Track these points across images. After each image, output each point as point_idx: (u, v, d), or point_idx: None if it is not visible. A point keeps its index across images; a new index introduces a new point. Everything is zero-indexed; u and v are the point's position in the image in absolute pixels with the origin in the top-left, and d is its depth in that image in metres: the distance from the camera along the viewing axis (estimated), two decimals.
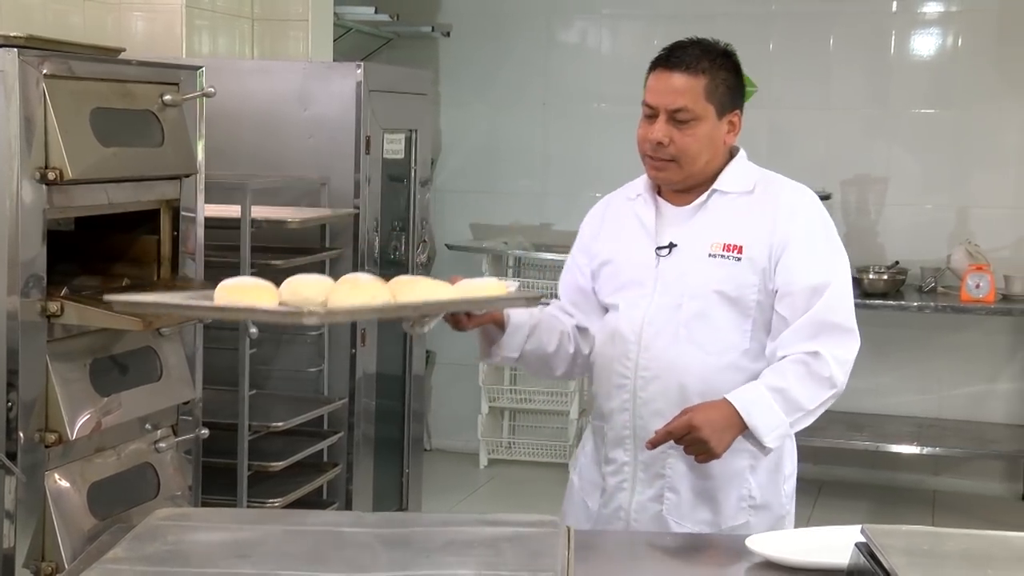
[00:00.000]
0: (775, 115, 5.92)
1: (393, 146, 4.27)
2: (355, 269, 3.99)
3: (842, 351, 2.42)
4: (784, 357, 2.42)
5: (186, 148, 3.03)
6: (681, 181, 2.52)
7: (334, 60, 4.76)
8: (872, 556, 1.74)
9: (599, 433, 2.61)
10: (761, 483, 2.51)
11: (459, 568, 1.79)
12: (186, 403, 3.07)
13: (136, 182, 2.87)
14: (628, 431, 2.52)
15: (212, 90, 3.08)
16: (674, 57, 2.48)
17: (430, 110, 4.96)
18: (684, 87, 2.46)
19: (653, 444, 2.38)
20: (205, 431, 3.18)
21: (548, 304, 2.67)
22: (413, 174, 4.50)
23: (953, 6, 5.76)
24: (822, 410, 2.44)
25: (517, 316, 2.52)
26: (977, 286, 5.28)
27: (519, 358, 2.56)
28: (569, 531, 2.07)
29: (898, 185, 5.84)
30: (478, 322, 2.43)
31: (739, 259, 2.46)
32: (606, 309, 2.61)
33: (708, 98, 2.47)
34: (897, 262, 5.67)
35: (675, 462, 2.48)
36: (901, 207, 5.84)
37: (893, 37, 5.83)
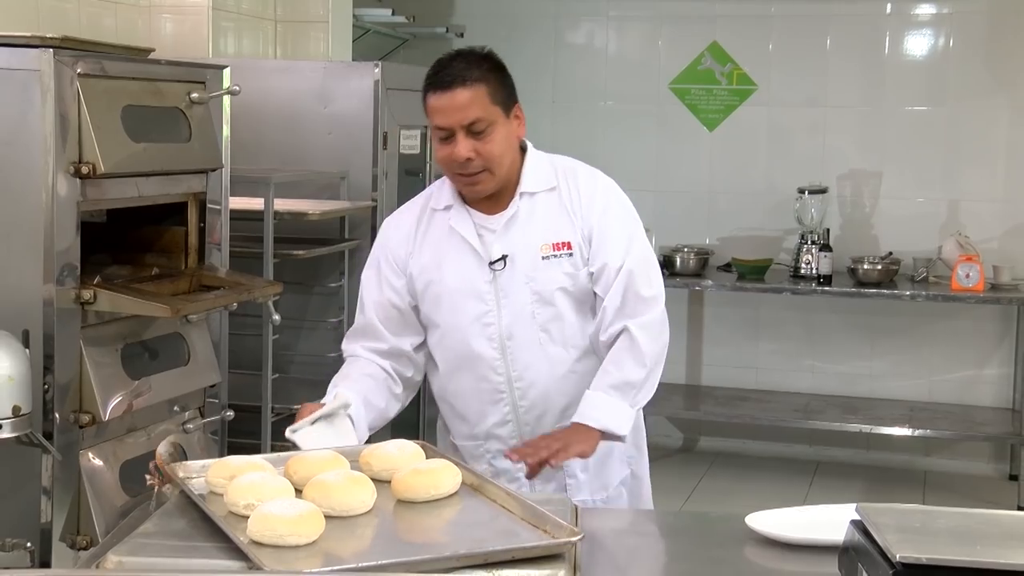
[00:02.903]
0: (774, 112, 5.90)
1: (409, 141, 4.27)
2: None
3: (646, 317, 2.45)
4: (608, 345, 2.45)
5: (212, 144, 3.03)
6: (494, 188, 2.45)
7: (353, 60, 4.76)
8: (866, 533, 1.74)
9: (474, 452, 2.56)
10: (627, 440, 2.53)
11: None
12: (212, 386, 3.08)
13: (165, 176, 2.87)
14: (515, 439, 2.51)
15: (237, 88, 3.08)
16: (447, 76, 2.38)
17: None
18: (469, 100, 2.37)
19: (531, 474, 2.33)
20: (230, 413, 3.19)
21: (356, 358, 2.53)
22: (428, 168, 4.49)
23: (945, 8, 5.73)
24: (655, 374, 2.47)
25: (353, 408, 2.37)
26: (967, 276, 5.27)
27: (365, 437, 2.47)
28: (576, 509, 2.07)
29: (891, 179, 5.82)
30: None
31: (571, 254, 2.47)
32: (425, 325, 2.54)
33: (493, 101, 2.40)
34: (890, 253, 5.65)
35: None
36: (894, 200, 5.82)
37: (887, 37, 5.80)
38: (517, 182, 2.48)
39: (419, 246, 2.52)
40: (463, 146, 2.37)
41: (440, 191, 2.53)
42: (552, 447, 2.32)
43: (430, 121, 2.42)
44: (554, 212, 2.49)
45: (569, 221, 2.48)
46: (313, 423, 2.27)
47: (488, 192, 2.45)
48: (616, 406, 2.41)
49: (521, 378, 2.49)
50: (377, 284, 2.54)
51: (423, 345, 2.57)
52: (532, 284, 2.46)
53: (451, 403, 2.58)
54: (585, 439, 2.36)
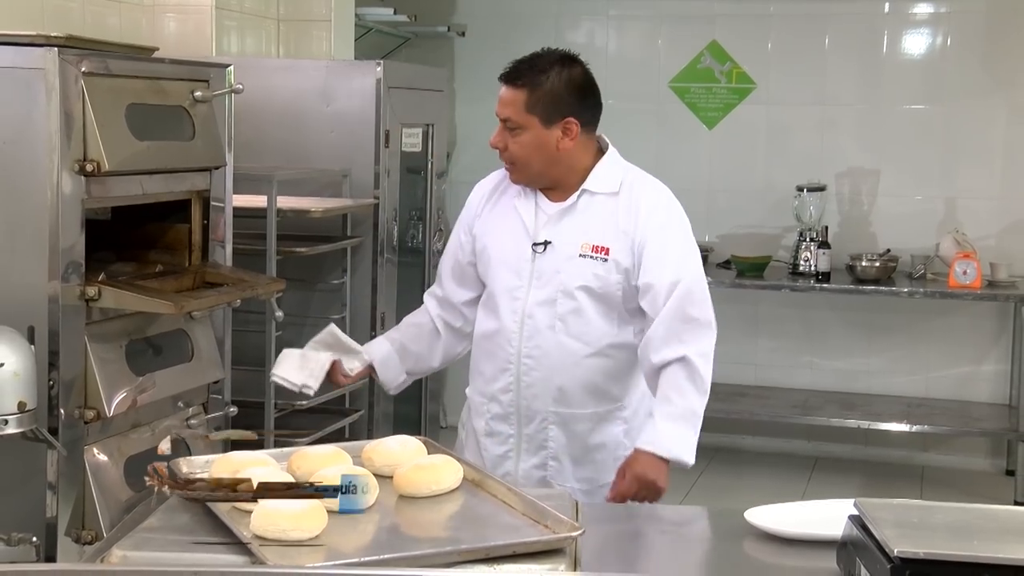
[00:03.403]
0: (773, 111, 5.90)
1: (411, 140, 4.27)
2: (375, 256, 4.00)
3: (703, 345, 2.53)
4: (660, 368, 2.51)
5: (216, 142, 3.03)
6: (527, 182, 2.61)
7: (355, 59, 4.76)
8: (864, 528, 1.74)
9: (478, 408, 2.70)
10: (625, 444, 2.62)
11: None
12: (216, 382, 3.08)
13: (169, 174, 2.87)
14: (512, 408, 2.64)
15: (240, 87, 3.08)
16: (510, 70, 2.57)
17: (446, 106, 4.96)
18: (509, 99, 2.55)
19: (612, 500, 2.45)
20: (233, 409, 3.19)
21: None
22: (430, 166, 4.49)
23: (942, 7, 5.73)
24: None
25: (380, 352, 2.70)
26: (964, 273, 5.27)
27: (407, 379, 2.75)
28: (576, 504, 2.08)
29: (890, 177, 5.82)
30: (356, 377, 2.72)
31: (606, 260, 2.56)
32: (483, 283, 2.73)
33: (529, 109, 2.53)
34: (888, 250, 5.65)
35: (556, 434, 2.61)
36: (892, 198, 5.82)
37: (885, 36, 5.80)
38: (584, 179, 2.59)
39: (487, 211, 2.71)
40: (497, 136, 2.58)
41: None
42: (643, 494, 2.43)
43: None
44: (607, 216, 2.58)
45: (618, 229, 2.56)
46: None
47: (520, 183, 2.63)
48: (684, 435, 2.48)
49: (530, 356, 2.59)
50: (455, 237, 2.78)
51: (475, 301, 2.73)
52: (561, 275, 2.58)
53: (476, 359, 2.73)
54: (658, 472, 2.45)
